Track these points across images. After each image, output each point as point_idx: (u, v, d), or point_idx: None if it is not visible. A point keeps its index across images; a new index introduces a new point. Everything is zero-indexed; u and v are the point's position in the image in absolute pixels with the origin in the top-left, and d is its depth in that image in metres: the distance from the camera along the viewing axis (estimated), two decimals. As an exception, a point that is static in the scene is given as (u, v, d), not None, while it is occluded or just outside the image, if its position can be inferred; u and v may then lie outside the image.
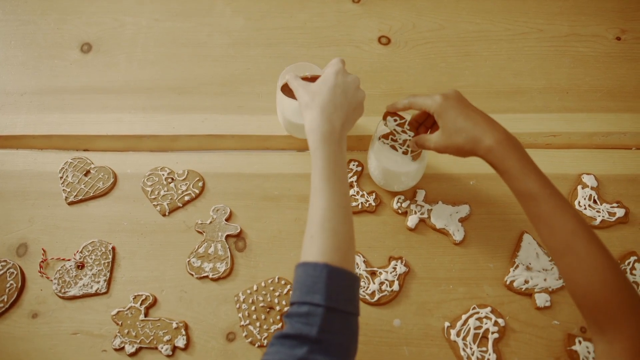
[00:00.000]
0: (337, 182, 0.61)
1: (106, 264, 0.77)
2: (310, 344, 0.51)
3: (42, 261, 0.78)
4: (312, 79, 0.71)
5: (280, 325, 0.73)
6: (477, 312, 0.73)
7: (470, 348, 0.71)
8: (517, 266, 0.76)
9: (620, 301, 0.54)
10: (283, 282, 0.76)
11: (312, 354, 0.50)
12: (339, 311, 0.54)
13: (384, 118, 0.74)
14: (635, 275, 0.75)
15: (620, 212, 0.79)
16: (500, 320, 0.73)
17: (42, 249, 0.79)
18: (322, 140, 0.63)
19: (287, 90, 0.72)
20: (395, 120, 0.74)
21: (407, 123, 0.74)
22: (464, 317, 0.73)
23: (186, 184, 0.83)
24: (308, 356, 0.50)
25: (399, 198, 0.81)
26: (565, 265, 0.57)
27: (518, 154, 0.61)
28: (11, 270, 0.77)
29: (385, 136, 0.76)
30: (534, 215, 0.59)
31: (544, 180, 0.60)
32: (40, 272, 0.77)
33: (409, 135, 0.74)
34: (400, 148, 0.75)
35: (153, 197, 0.82)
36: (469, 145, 0.63)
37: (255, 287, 0.75)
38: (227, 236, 0.79)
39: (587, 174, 0.83)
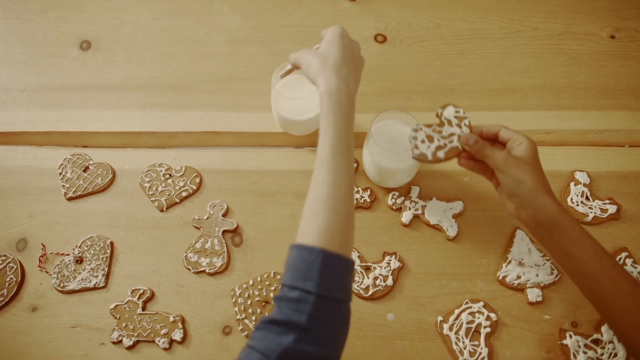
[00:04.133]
0: (347, 154, 0.59)
1: (104, 259, 0.78)
2: (298, 332, 0.50)
3: (41, 256, 0.79)
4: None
5: (275, 319, 0.74)
6: (470, 307, 0.74)
7: (463, 342, 0.72)
8: (510, 262, 0.77)
9: None
10: (279, 277, 0.77)
11: (298, 343, 0.49)
12: (330, 299, 0.53)
13: (443, 107, 0.70)
14: (626, 270, 0.76)
15: (612, 209, 0.80)
16: (492, 315, 0.74)
17: (42, 243, 0.80)
18: (338, 105, 0.61)
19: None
20: (457, 112, 0.70)
21: (469, 121, 0.69)
22: (456, 311, 0.74)
23: (184, 180, 0.84)
24: (295, 345, 0.49)
25: (394, 194, 0.82)
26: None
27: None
28: (11, 264, 0.78)
29: (429, 125, 0.70)
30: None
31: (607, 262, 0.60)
32: (39, 266, 0.78)
33: (462, 131, 0.69)
34: (439, 141, 0.68)
35: (151, 192, 0.83)
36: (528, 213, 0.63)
37: (251, 282, 0.77)
38: (224, 231, 0.80)
39: (580, 171, 0.84)
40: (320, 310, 0.51)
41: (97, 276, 0.77)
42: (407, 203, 0.81)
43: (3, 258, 0.79)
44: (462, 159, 0.68)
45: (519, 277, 0.76)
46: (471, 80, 0.92)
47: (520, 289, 0.76)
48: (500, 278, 0.76)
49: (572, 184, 0.82)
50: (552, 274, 0.76)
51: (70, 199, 0.83)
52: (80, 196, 0.84)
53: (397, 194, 0.82)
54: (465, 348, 0.72)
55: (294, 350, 0.49)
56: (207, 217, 0.81)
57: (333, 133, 0.60)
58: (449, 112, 0.70)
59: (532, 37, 0.96)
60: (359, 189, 0.83)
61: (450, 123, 0.69)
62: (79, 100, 0.91)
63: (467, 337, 0.72)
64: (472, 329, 0.73)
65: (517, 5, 0.99)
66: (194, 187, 0.83)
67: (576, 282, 0.63)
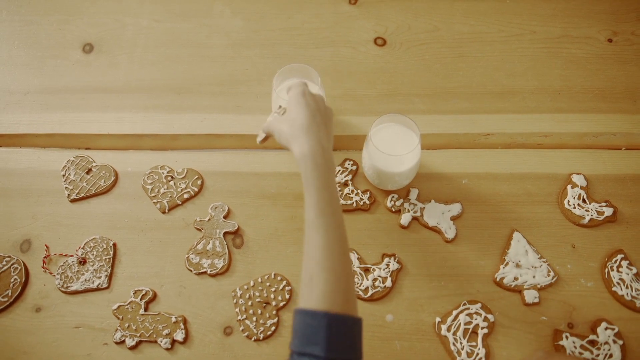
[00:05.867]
0: (334, 214, 0.59)
1: (107, 260, 0.79)
2: None
3: (45, 257, 0.80)
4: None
5: (276, 319, 0.75)
6: (468, 308, 0.75)
7: (460, 343, 0.73)
8: (507, 263, 0.78)
9: None
10: (279, 278, 0.78)
11: None
12: None
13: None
14: (621, 272, 0.77)
15: (608, 211, 0.81)
16: (489, 316, 0.75)
17: (45, 245, 0.81)
18: (314, 166, 0.61)
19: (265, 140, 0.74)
20: None
21: None
22: (454, 312, 0.75)
23: (185, 182, 0.85)
24: None
25: (393, 197, 0.83)
26: None
27: None
28: (15, 265, 0.79)
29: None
30: None
31: None
32: (43, 267, 0.79)
33: None
34: None
35: (153, 194, 0.84)
36: None
37: (252, 283, 0.78)
38: (225, 233, 0.81)
39: (577, 173, 0.85)
40: None
41: (100, 277, 0.78)
42: (406, 205, 0.82)
43: (7, 259, 0.80)
44: None
45: (516, 278, 0.77)
46: (470, 83, 0.93)
47: (517, 290, 0.77)
48: (497, 280, 0.77)
49: (569, 186, 0.83)
50: (548, 275, 0.77)
51: (73, 200, 0.84)
52: (83, 198, 0.85)
53: (396, 196, 0.83)
54: (462, 349, 0.73)
55: None
56: (209, 219, 0.82)
57: (316, 195, 0.60)
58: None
59: (531, 40, 0.97)
60: (359, 191, 0.84)
61: None
62: (81, 103, 0.92)
63: (464, 338, 0.73)
64: (470, 330, 0.74)
65: (515, 9, 1.00)
66: (196, 189, 0.84)
67: None
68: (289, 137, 0.64)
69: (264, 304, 0.76)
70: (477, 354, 0.72)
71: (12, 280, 0.78)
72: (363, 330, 0.58)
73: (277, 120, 0.67)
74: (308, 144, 0.62)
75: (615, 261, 0.78)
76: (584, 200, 0.82)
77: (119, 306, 0.76)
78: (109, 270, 0.79)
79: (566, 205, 0.82)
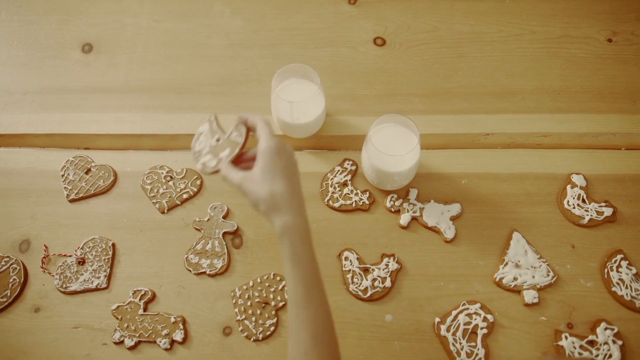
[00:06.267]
0: (321, 284, 0.58)
1: (106, 260, 0.79)
2: None
3: (44, 257, 0.80)
4: (241, 159, 0.67)
5: (275, 320, 0.75)
6: (467, 308, 0.75)
7: (460, 343, 0.73)
8: (507, 263, 0.78)
9: None
10: (278, 278, 0.78)
11: None
12: None
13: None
14: (621, 272, 0.77)
15: (608, 212, 0.81)
16: (489, 316, 0.75)
17: (44, 245, 0.81)
18: (301, 240, 0.58)
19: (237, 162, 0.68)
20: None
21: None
22: (454, 313, 0.75)
23: (185, 182, 0.85)
24: None
25: (392, 197, 0.83)
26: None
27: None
28: (14, 265, 0.79)
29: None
30: None
31: None
32: (42, 267, 0.79)
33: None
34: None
35: (152, 195, 0.84)
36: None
37: (251, 283, 0.78)
38: (224, 233, 0.81)
39: (577, 173, 0.85)
40: None
41: (99, 277, 0.78)
42: (405, 205, 0.82)
43: (6, 259, 0.80)
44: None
45: (515, 278, 0.77)
46: (469, 83, 0.93)
47: (517, 290, 0.77)
48: (497, 280, 0.77)
49: (568, 186, 0.83)
50: (548, 275, 0.77)
51: (72, 200, 0.84)
52: (82, 198, 0.84)
53: (395, 196, 0.83)
54: (462, 349, 0.73)
55: None
56: (208, 219, 0.82)
57: (305, 268, 0.58)
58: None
59: (530, 40, 0.97)
60: (358, 191, 0.84)
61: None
62: (81, 103, 0.92)
63: (464, 338, 0.73)
64: (469, 330, 0.74)
65: (515, 9, 1.00)
66: (195, 189, 0.84)
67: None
68: (268, 208, 0.60)
69: (263, 304, 0.76)
70: (477, 354, 0.72)
71: (11, 280, 0.78)
72: None
73: (251, 181, 0.61)
74: (292, 216, 0.59)
75: (615, 261, 0.78)
76: (583, 201, 0.82)
77: (118, 306, 0.76)
78: (108, 270, 0.79)
79: (566, 206, 0.82)
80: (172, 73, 0.95)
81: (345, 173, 0.85)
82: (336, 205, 0.83)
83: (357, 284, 0.77)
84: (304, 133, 0.86)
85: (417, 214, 0.82)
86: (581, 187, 0.83)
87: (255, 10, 1.00)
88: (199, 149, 0.71)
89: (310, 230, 0.61)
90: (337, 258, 0.79)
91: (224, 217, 0.82)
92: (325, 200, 0.83)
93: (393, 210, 0.82)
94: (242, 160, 0.68)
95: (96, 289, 0.78)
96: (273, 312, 0.76)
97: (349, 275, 0.77)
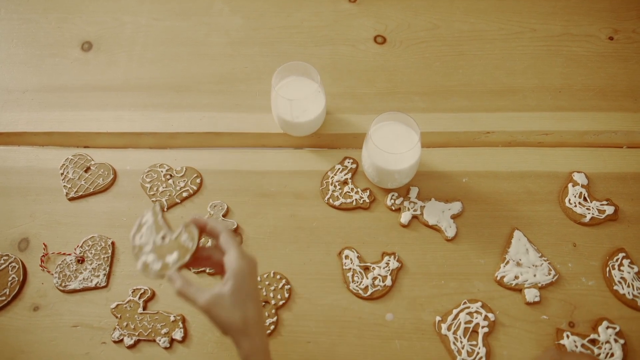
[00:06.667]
0: None
1: (106, 259, 0.79)
2: None
3: (43, 255, 0.80)
4: (190, 263, 0.61)
5: (275, 318, 0.75)
6: (468, 307, 0.75)
7: (461, 342, 0.73)
8: (508, 262, 0.78)
9: None
10: (278, 276, 0.78)
11: None
12: None
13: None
14: (622, 271, 0.76)
15: (609, 210, 0.81)
16: (490, 315, 0.74)
17: (43, 243, 0.81)
18: None
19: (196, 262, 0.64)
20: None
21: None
22: (455, 311, 0.75)
23: (184, 180, 0.85)
24: None
25: (393, 195, 0.83)
26: None
27: None
28: (13, 264, 0.79)
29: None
30: None
31: None
32: (41, 266, 0.79)
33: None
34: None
35: (152, 193, 0.84)
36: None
37: (251, 282, 0.77)
38: (224, 232, 0.81)
39: (578, 172, 0.84)
40: None
41: (98, 276, 0.78)
42: (406, 204, 0.82)
43: (5, 258, 0.79)
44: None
45: (516, 277, 0.76)
46: (470, 81, 0.93)
47: (518, 289, 0.76)
48: (498, 278, 0.77)
49: (570, 185, 0.83)
50: (549, 274, 0.76)
51: (71, 199, 0.84)
52: (81, 196, 0.84)
53: (396, 194, 0.83)
54: (463, 348, 0.72)
55: None
56: (208, 218, 0.82)
57: None
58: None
59: (531, 38, 0.97)
60: (358, 189, 0.83)
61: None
62: (80, 101, 0.92)
63: (465, 337, 0.73)
64: (470, 329, 0.73)
65: (516, 7, 1.00)
66: (195, 188, 0.84)
67: None
68: (237, 333, 0.58)
69: (263, 303, 0.76)
70: (478, 353, 0.72)
71: (9, 279, 0.78)
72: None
73: (221, 307, 0.57)
74: (260, 338, 0.58)
75: (617, 260, 0.77)
76: (585, 199, 0.82)
77: (118, 305, 0.76)
78: (108, 268, 0.79)
79: (567, 204, 0.82)
80: (171, 71, 0.94)
81: (345, 171, 0.85)
82: (336, 203, 0.82)
83: (357, 282, 0.77)
84: (304, 131, 0.86)
85: (418, 212, 0.81)
86: (582, 186, 0.83)
87: (254, 8, 1.00)
88: (140, 244, 0.63)
89: (269, 350, 0.60)
90: (337, 256, 0.79)
91: (224, 216, 0.82)
92: (326, 198, 0.83)
93: (394, 208, 0.82)
94: (191, 263, 0.62)
95: (95, 288, 0.78)
96: (273, 311, 0.75)
97: (350, 274, 0.77)
